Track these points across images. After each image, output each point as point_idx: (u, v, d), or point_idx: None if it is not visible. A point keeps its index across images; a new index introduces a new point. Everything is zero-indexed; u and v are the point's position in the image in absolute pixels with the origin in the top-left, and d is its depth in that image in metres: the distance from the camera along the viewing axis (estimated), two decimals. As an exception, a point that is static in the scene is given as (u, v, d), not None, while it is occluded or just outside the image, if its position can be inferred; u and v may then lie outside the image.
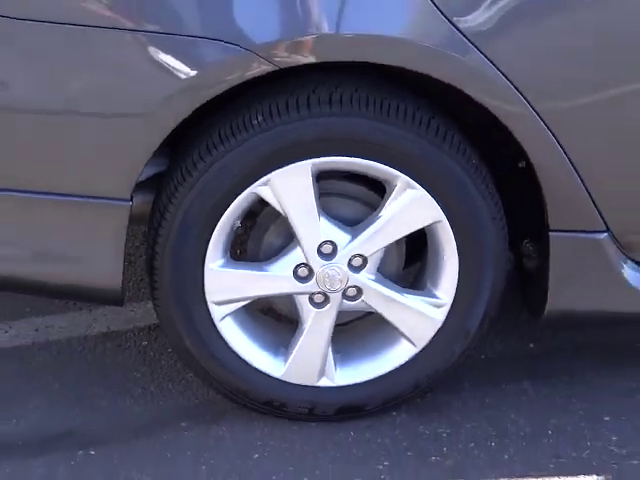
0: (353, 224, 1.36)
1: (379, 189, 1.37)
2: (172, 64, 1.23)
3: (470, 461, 1.38)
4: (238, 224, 1.35)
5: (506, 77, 1.24)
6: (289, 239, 1.36)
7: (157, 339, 1.65)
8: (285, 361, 1.41)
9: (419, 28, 1.27)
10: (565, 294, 1.41)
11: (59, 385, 1.52)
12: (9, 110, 1.27)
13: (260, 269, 1.36)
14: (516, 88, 1.25)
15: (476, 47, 1.22)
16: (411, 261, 1.49)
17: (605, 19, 1.27)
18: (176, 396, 1.51)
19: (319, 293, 1.36)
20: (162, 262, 1.32)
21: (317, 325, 1.38)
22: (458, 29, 1.22)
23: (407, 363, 1.43)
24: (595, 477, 1.35)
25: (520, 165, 1.37)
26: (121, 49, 1.25)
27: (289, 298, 1.39)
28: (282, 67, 1.22)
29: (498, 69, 1.23)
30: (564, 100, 1.30)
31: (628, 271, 1.39)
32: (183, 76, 1.23)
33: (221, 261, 1.34)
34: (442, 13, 1.21)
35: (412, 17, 1.28)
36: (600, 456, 1.39)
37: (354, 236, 1.34)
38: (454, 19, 1.21)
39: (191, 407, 1.48)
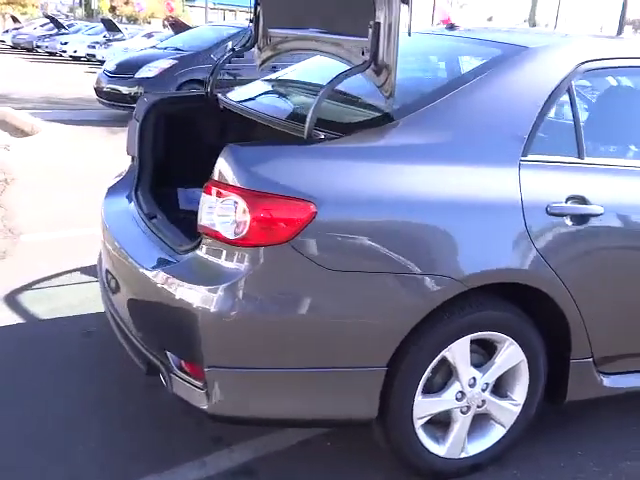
0: (477, 367, 2.50)
1: (487, 347, 2.53)
2: (420, 290, 2.24)
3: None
4: (429, 374, 2.42)
5: (564, 284, 2.44)
6: (449, 378, 2.45)
7: (338, 440, 2.71)
8: (444, 446, 2.50)
9: (532, 265, 2.38)
10: (576, 390, 2.68)
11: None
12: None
13: (439, 396, 2.45)
14: (567, 289, 2.45)
15: (554, 272, 2.41)
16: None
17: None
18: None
19: (466, 406, 2.48)
20: (394, 398, 2.34)
21: (462, 423, 2.50)
22: (549, 265, 2.39)
23: (500, 438, 2.60)
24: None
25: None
26: (389, 283, 2.21)
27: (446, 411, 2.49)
28: (469, 287, 2.30)
29: (562, 281, 2.43)
30: (584, 294, 2.50)
31: (600, 377, 2.70)
32: (423, 295, 2.24)
33: (421, 395, 2.40)
34: (544, 259, 2.39)
35: (531, 261, 2.37)
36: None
37: (483, 374, 2.48)
38: (549, 262, 2.39)
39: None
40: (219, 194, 2.14)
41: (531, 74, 2.50)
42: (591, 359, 2.66)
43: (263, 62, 3.37)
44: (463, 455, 2.55)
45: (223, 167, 2.14)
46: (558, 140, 2.60)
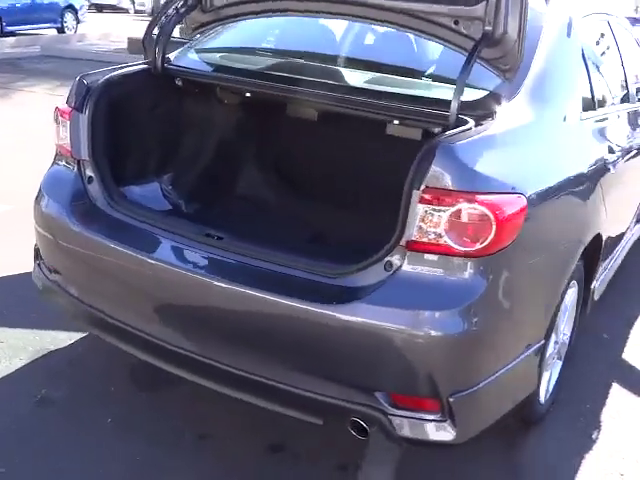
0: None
1: None
2: (571, 257, 2.42)
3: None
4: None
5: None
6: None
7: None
8: (542, 393, 2.64)
9: (603, 214, 2.67)
10: (590, 309, 3.04)
11: None
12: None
13: (546, 350, 2.57)
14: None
15: (606, 215, 2.66)
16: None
17: None
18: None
19: (557, 352, 2.66)
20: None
21: (552, 368, 2.68)
22: (606, 210, 2.67)
23: (560, 369, 2.85)
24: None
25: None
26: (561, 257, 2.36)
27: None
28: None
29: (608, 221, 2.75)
30: (611, 225, 2.81)
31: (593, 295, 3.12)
32: (572, 262, 2.40)
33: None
34: (604, 206, 2.62)
35: (602, 210, 2.67)
36: None
37: (562, 319, 2.67)
38: (607, 208, 2.68)
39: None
40: (442, 202, 1.86)
41: (565, 37, 2.65)
42: (597, 282, 3.07)
43: (199, 27, 2.82)
44: (548, 395, 2.76)
45: (441, 170, 1.85)
46: (585, 96, 2.82)
